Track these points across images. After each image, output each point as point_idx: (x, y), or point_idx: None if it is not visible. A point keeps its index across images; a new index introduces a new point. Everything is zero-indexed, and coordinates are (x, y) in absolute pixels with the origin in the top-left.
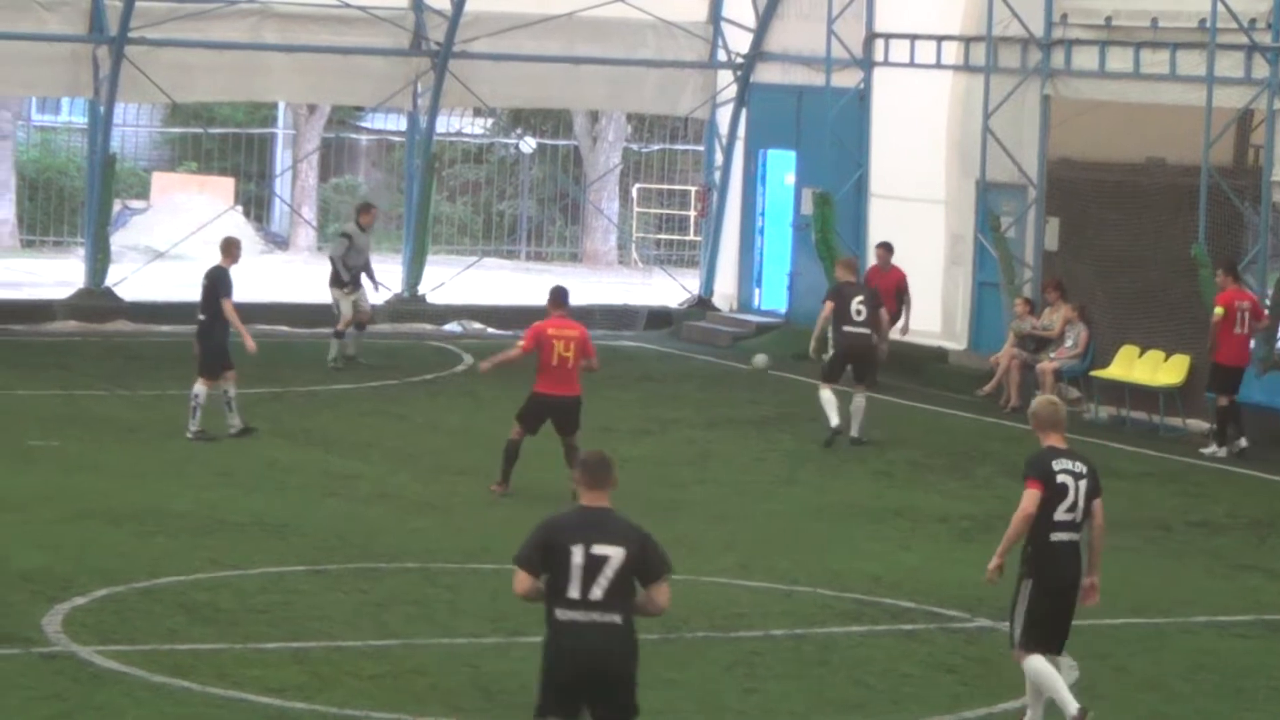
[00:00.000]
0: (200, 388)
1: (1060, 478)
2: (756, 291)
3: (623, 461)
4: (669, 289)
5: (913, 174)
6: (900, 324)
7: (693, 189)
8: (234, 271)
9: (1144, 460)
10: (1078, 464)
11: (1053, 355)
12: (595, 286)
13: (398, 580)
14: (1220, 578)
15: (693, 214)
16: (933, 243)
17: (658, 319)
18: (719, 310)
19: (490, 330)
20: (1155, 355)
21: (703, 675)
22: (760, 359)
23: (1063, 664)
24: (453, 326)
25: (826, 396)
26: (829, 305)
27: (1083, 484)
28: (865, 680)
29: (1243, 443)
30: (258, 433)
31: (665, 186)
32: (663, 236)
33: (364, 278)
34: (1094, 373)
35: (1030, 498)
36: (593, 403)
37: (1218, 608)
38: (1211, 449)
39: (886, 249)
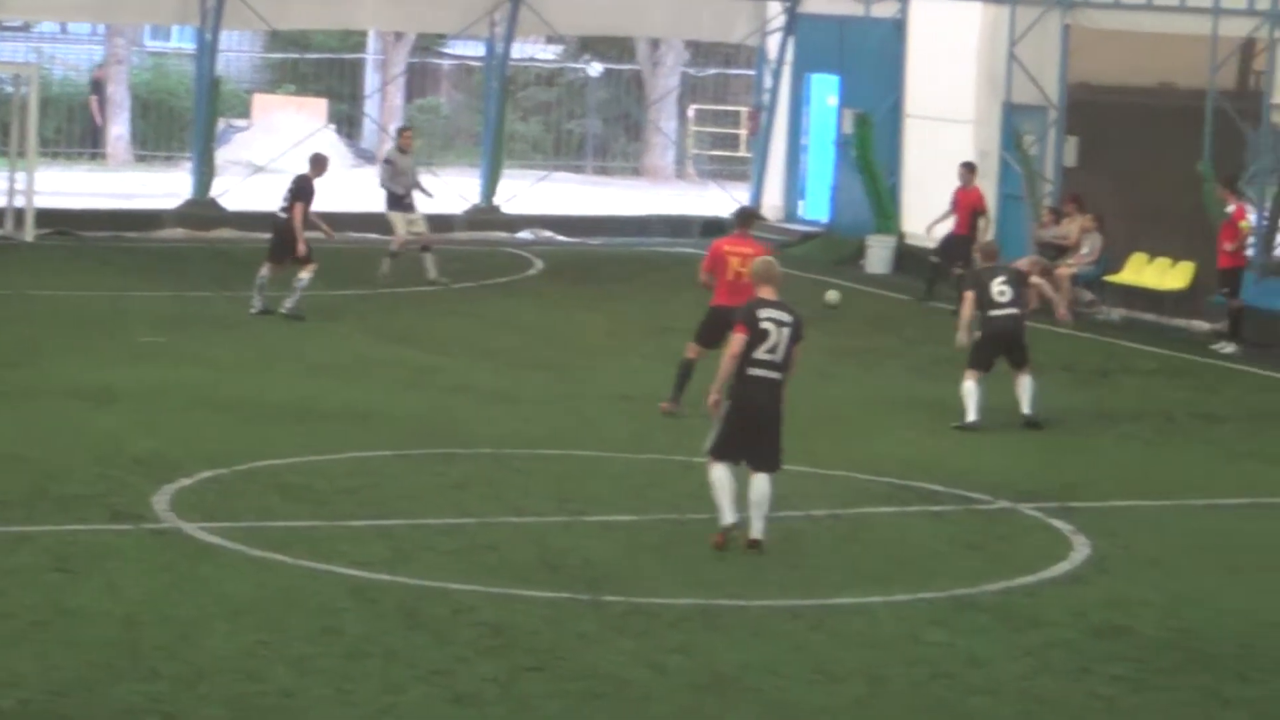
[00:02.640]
0: (266, 271)
1: (764, 324)
2: (801, 203)
3: (675, 358)
4: (721, 200)
5: (944, 96)
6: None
7: (744, 109)
8: (319, 183)
9: (1152, 357)
10: (783, 314)
11: (1070, 261)
12: (654, 198)
13: (473, 464)
14: (1220, 464)
15: (744, 132)
16: (962, 159)
17: (711, 227)
18: (766, 220)
19: (559, 238)
20: (1163, 262)
21: (749, 551)
22: (832, 295)
23: (763, 483)
24: (525, 234)
25: (969, 387)
26: (969, 296)
27: (785, 330)
28: (897, 556)
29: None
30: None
31: (719, 107)
32: (716, 153)
33: (416, 196)
34: (1107, 278)
35: (736, 340)
36: (654, 305)
37: (1217, 491)
38: (1229, 347)
39: (969, 169)
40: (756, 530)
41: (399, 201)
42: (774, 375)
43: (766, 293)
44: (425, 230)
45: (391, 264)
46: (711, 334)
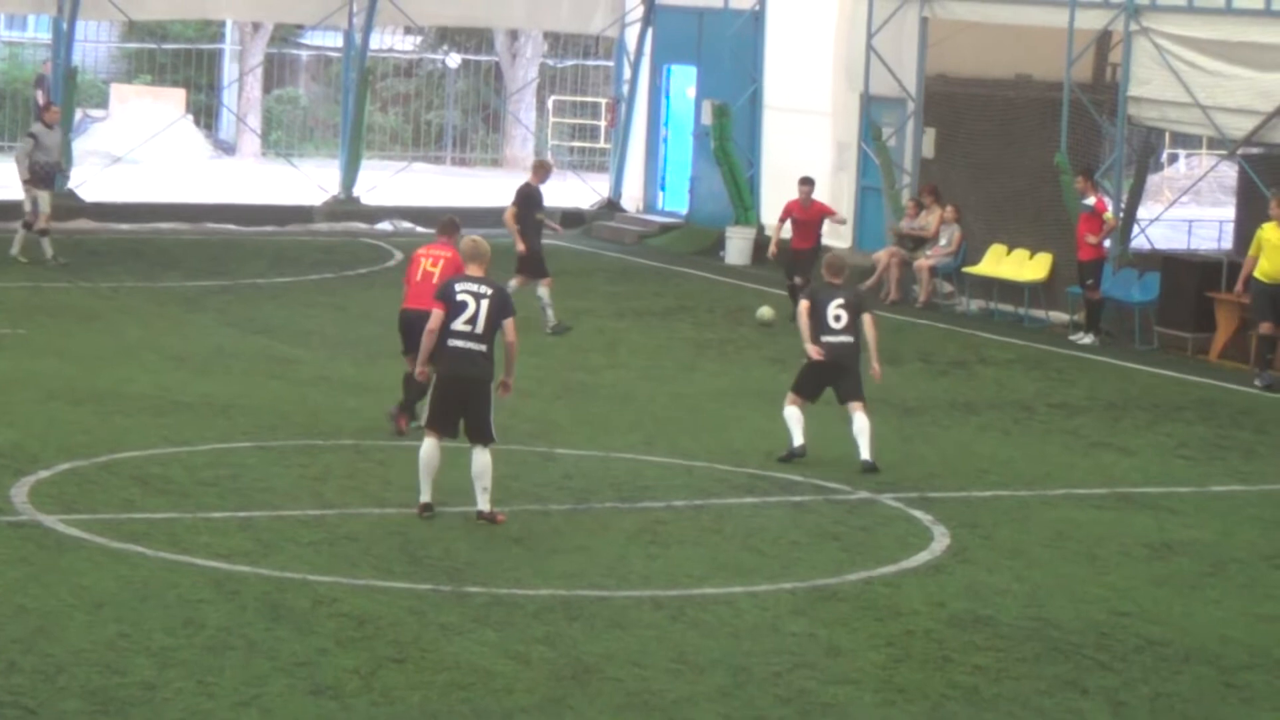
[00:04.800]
0: (542, 289)
1: (460, 296)
2: (660, 194)
3: (540, 349)
4: (581, 191)
5: (803, 88)
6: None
7: (603, 101)
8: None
9: (1010, 348)
10: (484, 287)
11: (928, 253)
12: (514, 189)
13: (334, 455)
14: (1078, 454)
15: (603, 124)
16: (820, 151)
17: (571, 219)
18: (626, 211)
19: (419, 229)
20: (1021, 253)
21: (611, 542)
22: (765, 311)
23: (479, 455)
24: (385, 225)
25: (791, 412)
26: (805, 305)
27: (484, 302)
28: (758, 546)
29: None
30: (568, 329)
31: (578, 98)
32: (576, 144)
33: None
34: (966, 269)
35: (434, 317)
36: (514, 295)
37: (1076, 481)
38: (1087, 338)
39: (808, 184)
40: (481, 503)
41: (44, 179)
42: (475, 346)
43: (473, 270)
44: (46, 212)
45: (48, 242)
46: (405, 339)
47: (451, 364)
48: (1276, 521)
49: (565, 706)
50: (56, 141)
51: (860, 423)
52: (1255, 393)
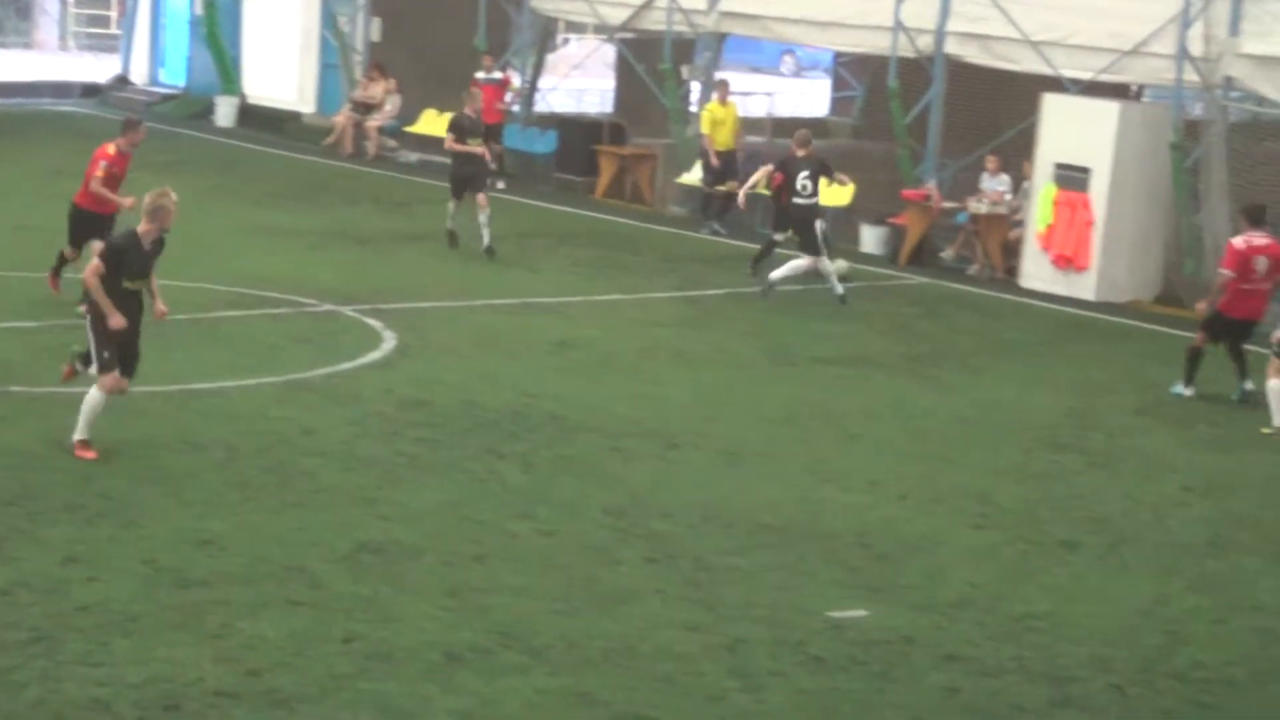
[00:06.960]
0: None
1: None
2: (161, 70)
3: (66, 198)
4: (97, 68)
5: None
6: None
7: None
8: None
9: (442, 190)
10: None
11: (376, 117)
12: (42, 67)
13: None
14: (495, 273)
15: (114, 14)
16: (290, 36)
17: (89, 90)
18: (135, 84)
19: None
20: (449, 115)
21: None
22: (841, 264)
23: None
24: None
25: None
26: (777, 175)
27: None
28: (245, 349)
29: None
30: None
31: None
32: (92, 30)
33: None
34: (407, 128)
35: (94, 267)
36: (44, 152)
37: (494, 294)
38: (500, 184)
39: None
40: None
41: None
42: (137, 285)
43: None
44: None
45: None
46: None
47: (124, 306)
48: (647, 322)
49: (90, 477)
50: None
51: (823, 265)
52: (634, 223)
